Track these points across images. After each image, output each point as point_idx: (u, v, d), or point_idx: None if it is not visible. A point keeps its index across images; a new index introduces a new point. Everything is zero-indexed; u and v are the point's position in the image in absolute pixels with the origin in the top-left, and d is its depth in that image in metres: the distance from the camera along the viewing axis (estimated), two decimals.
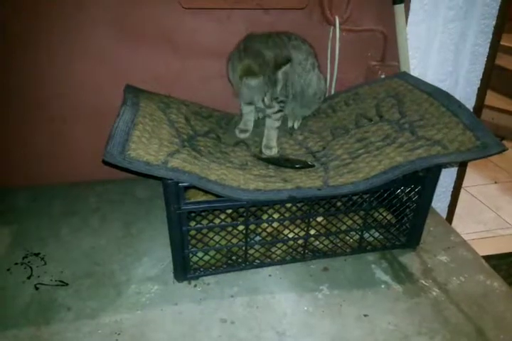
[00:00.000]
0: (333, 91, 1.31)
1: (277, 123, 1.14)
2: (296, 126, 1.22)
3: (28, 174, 1.25)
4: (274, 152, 1.10)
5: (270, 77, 1.02)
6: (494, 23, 1.35)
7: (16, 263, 0.96)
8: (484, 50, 1.39)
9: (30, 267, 0.95)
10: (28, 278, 0.92)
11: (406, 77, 1.19)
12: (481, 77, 1.43)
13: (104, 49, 1.14)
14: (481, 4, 1.30)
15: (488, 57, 1.41)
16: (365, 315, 0.86)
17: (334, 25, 1.22)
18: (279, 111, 1.13)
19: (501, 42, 1.44)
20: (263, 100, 1.05)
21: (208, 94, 1.23)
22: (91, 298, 0.88)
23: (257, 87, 1.03)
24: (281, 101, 1.12)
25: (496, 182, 2.60)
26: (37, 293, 0.89)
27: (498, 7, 1.32)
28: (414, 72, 1.31)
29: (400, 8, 1.21)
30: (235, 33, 1.12)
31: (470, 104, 1.47)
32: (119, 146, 0.80)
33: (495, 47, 1.40)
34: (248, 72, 1.00)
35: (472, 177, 2.56)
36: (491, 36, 1.37)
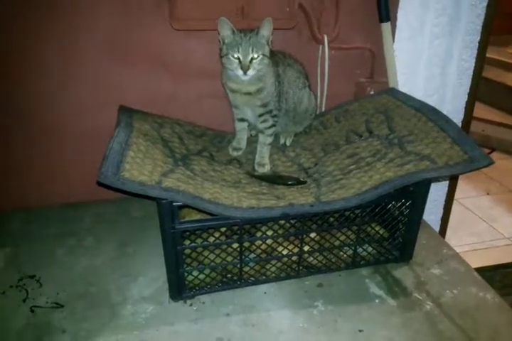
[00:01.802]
0: (323, 108, 1.33)
1: (270, 139, 1.16)
2: (288, 142, 1.23)
3: (22, 196, 1.25)
4: (266, 169, 1.11)
5: (246, 33, 1.01)
6: (479, 38, 1.38)
7: (11, 286, 0.96)
8: (470, 64, 1.42)
9: (26, 289, 0.95)
10: (24, 300, 0.92)
11: (394, 92, 1.21)
12: (468, 91, 1.46)
13: (98, 71, 1.16)
14: (466, 21, 1.34)
15: (474, 72, 1.44)
16: (360, 330, 0.86)
17: (323, 44, 1.24)
18: (272, 126, 1.15)
19: (489, 56, 1.47)
20: (239, 60, 1.01)
21: (202, 113, 1.25)
22: (86, 320, 0.88)
23: (230, 36, 1.02)
24: (275, 116, 1.14)
25: (488, 194, 2.62)
26: (32, 316, 0.89)
27: (481, 24, 1.35)
28: (403, 87, 1.33)
29: (386, 26, 1.24)
30: None
31: (459, 117, 1.50)
32: (113, 167, 0.81)
33: (481, 62, 1.43)
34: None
35: (464, 188, 2.58)
36: (476, 51, 1.40)
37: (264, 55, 1.03)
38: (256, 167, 1.12)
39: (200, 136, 1.18)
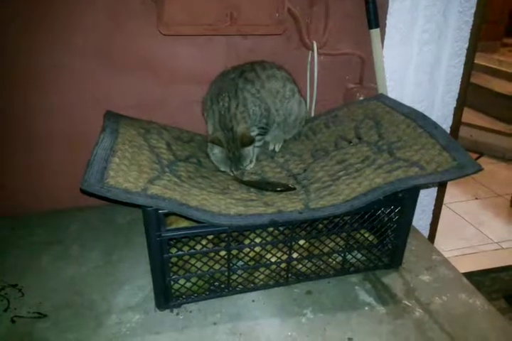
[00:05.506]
0: (313, 114, 1.33)
1: (258, 143, 1.17)
2: (277, 148, 1.23)
3: (7, 202, 1.22)
4: (250, 167, 1.13)
5: (235, 152, 1.08)
6: (467, 45, 1.39)
7: None
8: (459, 71, 1.43)
9: (7, 299, 0.92)
10: (5, 310, 0.90)
11: (383, 98, 1.21)
12: (456, 97, 1.47)
13: (86, 77, 1.15)
14: (454, 28, 1.35)
15: (462, 78, 1.45)
16: (349, 339, 0.85)
17: (312, 50, 1.24)
18: (258, 134, 1.15)
19: (478, 62, 1.48)
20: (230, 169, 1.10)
21: (190, 119, 1.24)
22: (70, 330, 0.85)
23: (220, 155, 1.09)
24: (261, 128, 1.14)
25: (476, 198, 2.64)
26: (13, 326, 0.86)
27: (469, 30, 1.36)
28: (392, 93, 1.34)
29: (375, 32, 1.25)
30: (215, 58, 1.14)
31: (447, 123, 1.50)
32: (97, 174, 0.79)
33: (469, 68, 1.44)
34: (215, 142, 1.09)
35: (453, 193, 2.60)
36: (464, 58, 1.41)
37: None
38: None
39: (188, 142, 1.17)
